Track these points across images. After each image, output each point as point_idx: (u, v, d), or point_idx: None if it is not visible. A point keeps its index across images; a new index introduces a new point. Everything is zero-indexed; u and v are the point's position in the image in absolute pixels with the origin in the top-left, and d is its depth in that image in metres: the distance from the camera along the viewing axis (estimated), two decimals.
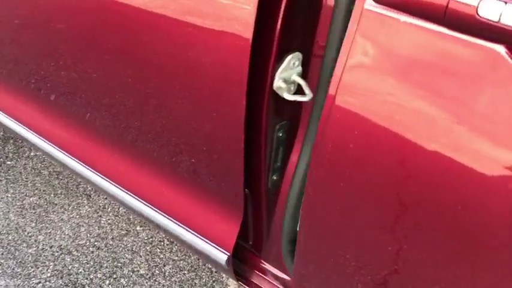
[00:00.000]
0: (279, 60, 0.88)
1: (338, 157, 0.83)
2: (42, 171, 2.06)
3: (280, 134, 0.99)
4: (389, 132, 0.75)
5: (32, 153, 2.14)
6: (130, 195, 1.27)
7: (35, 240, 1.76)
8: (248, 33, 0.82)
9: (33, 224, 1.82)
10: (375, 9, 0.72)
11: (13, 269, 1.66)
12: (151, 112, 1.11)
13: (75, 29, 1.20)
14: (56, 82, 1.36)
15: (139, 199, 1.25)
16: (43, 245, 1.75)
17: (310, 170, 0.90)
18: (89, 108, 1.28)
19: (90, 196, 1.95)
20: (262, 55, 0.87)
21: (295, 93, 0.92)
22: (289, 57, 0.88)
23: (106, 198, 1.94)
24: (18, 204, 1.90)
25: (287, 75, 0.89)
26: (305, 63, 0.92)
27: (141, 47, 1.04)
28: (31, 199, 1.93)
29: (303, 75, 0.92)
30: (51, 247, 1.74)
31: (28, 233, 1.79)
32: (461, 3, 0.64)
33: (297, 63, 0.90)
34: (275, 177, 1.05)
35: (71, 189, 1.98)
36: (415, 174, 0.76)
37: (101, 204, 1.92)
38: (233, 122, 0.94)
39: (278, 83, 0.89)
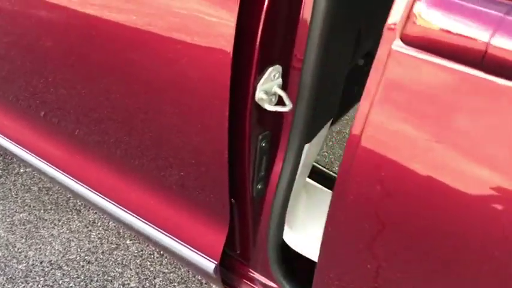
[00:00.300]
0: (260, 72, 0.91)
1: (362, 197, 0.82)
2: (32, 187, 2.07)
3: (264, 144, 1.02)
4: (416, 174, 0.74)
5: (21, 170, 2.15)
6: (119, 208, 1.29)
7: (25, 256, 1.77)
8: (229, 47, 0.85)
9: (23, 240, 1.83)
10: (403, 50, 0.70)
11: (3, 285, 1.66)
12: (138, 126, 1.13)
13: (63, 46, 1.23)
14: (45, 98, 1.38)
15: (128, 211, 1.27)
16: (33, 260, 1.76)
17: (331, 208, 0.89)
18: (78, 124, 1.30)
19: (80, 211, 1.96)
20: (244, 68, 0.90)
21: (276, 104, 0.95)
22: (270, 69, 0.92)
23: (96, 212, 1.95)
24: (8, 220, 1.91)
25: (268, 87, 0.93)
26: (285, 75, 0.95)
27: (127, 63, 1.07)
28: (21, 215, 1.94)
29: (283, 86, 0.96)
30: (41, 262, 1.75)
31: (18, 249, 1.80)
32: (502, 49, 0.63)
33: (277, 75, 0.93)
34: (259, 186, 1.08)
35: (61, 205, 1.99)
36: (447, 216, 0.75)
37: (90, 219, 1.93)
38: (217, 133, 0.97)
39: (260, 95, 0.92)
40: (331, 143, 1.48)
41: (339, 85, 1.13)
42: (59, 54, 1.27)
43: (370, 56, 1.92)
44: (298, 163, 1.06)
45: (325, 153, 1.43)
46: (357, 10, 1.07)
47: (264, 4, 0.85)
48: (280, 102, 0.95)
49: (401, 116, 0.74)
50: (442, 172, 0.72)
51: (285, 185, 1.07)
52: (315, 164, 1.38)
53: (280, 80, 0.95)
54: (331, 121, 1.18)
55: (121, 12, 1.02)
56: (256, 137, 1.00)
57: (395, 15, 0.71)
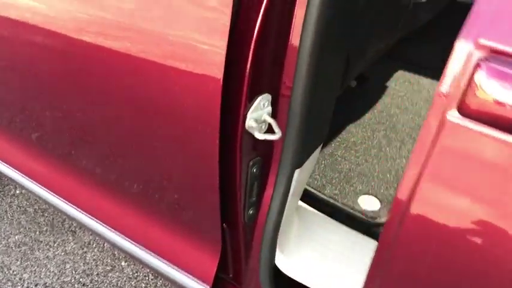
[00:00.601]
0: (250, 101, 0.93)
1: (410, 267, 0.82)
2: (27, 209, 2.08)
3: (254, 170, 1.04)
4: (468, 246, 0.73)
5: (17, 191, 2.16)
6: (112, 231, 1.30)
7: (20, 279, 1.77)
8: (219, 74, 0.86)
9: (18, 263, 1.83)
10: (460, 121, 0.67)
11: None
12: (131, 151, 1.15)
13: (57, 71, 1.25)
14: (38, 122, 1.40)
15: (121, 235, 1.28)
16: (28, 283, 1.76)
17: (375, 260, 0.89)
18: (71, 148, 1.31)
19: (75, 232, 1.97)
20: (234, 97, 0.92)
21: (266, 132, 0.97)
22: (259, 98, 0.94)
23: (91, 234, 1.95)
24: (3, 243, 1.91)
25: (258, 115, 0.95)
26: (274, 103, 0.97)
27: (118, 89, 1.08)
28: (16, 237, 1.94)
29: (273, 113, 0.97)
30: (36, 285, 1.75)
31: (13, 272, 1.80)
32: None
33: (266, 103, 0.95)
34: (251, 211, 1.09)
35: (56, 226, 1.99)
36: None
37: (86, 241, 1.93)
38: (208, 160, 0.98)
39: (249, 123, 0.94)
40: (323, 165, 1.49)
41: (329, 110, 1.15)
42: (53, 79, 1.29)
43: (363, 78, 1.97)
44: (289, 188, 1.08)
45: (317, 176, 1.45)
46: (344, 35, 1.09)
47: (253, 35, 0.87)
48: (270, 129, 0.97)
49: (454, 186, 0.72)
50: (492, 246, 0.70)
51: (276, 210, 1.08)
52: (306, 187, 1.39)
53: (269, 108, 0.96)
54: (321, 145, 1.20)
55: (115, 40, 1.04)
56: (247, 163, 1.02)
57: (448, 83, 0.67)
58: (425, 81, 1.96)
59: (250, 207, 1.08)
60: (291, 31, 0.90)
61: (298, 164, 1.06)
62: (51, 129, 1.38)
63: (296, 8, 0.88)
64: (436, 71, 2.00)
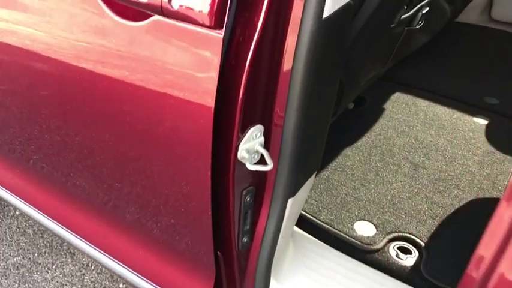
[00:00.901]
0: (242, 132, 0.94)
1: None
2: (27, 230, 2.08)
3: (248, 199, 1.04)
4: None
5: (17, 212, 2.17)
6: (107, 256, 1.31)
7: None
8: (211, 103, 0.86)
9: (16, 285, 1.83)
10: None
11: None
12: (125, 178, 1.15)
13: (53, 98, 1.26)
14: (34, 148, 1.41)
15: (116, 261, 1.29)
16: None
17: None
18: (66, 174, 1.32)
19: (73, 254, 1.97)
20: (227, 128, 0.93)
21: (258, 162, 0.98)
22: (251, 129, 0.94)
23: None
24: (2, 265, 1.92)
25: (250, 146, 0.95)
26: (267, 133, 0.98)
27: (110, 115, 1.08)
28: (15, 259, 1.94)
29: (266, 143, 0.98)
30: None
31: None
32: None
33: (258, 134, 0.96)
34: (245, 240, 1.09)
35: (55, 248, 2.00)
36: None
37: (84, 262, 1.93)
38: (200, 188, 0.99)
39: (242, 154, 0.95)
40: (319, 190, 1.50)
41: (322, 139, 1.16)
42: (51, 105, 1.30)
43: (360, 100, 1.97)
44: (283, 217, 1.08)
45: (313, 201, 1.45)
46: (337, 64, 1.09)
47: (244, 68, 0.87)
48: (262, 159, 0.98)
49: None
50: None
51: (270, 239, 1.09)
52: (302, 212, 1.39)
53: (262, 139, 0.97)
54: (315, 173, 1.21)
55: (113, 68, 1.05)
56: (240, 192, 1.02)
57: None
58: (423, 103, 1.97)
59: (244, 235, 1.09)
60: (283, 60, 0.91)
61: (291, 193, 1.07)
62: (44, 154, 1.39)
63: (287, 36, 0.88)
64: (433, 93, 2.01)
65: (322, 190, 1.48)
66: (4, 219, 2.13)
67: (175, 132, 0.97)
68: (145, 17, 0.86)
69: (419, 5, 1.30)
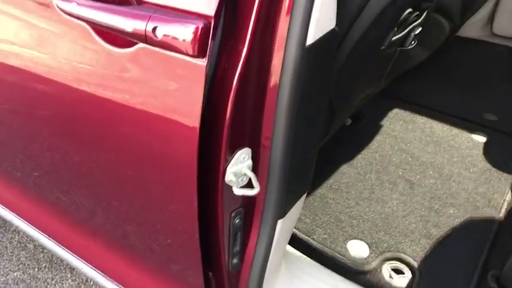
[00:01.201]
0: (230, 155, 0.95)
1: None
2: (27, 244, 2.10)
3: (237, 221, 1.05)
4: None
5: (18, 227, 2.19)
6: (103, 276, 1.32)
7: None
8: (196, 123, 0.87)
9: None
10: None
11: None
12: (115, 199, 1.17)
13: (48, 120, 1.28)
14: (36, 166, 1.43)
15: (111, 280, 1.30)
16: None
17: None
18: (62, 193, 1.34)
19: (73, 269, 1.98)
20: (214, 151, 0.94)
21: (246, 185, 0.99)
22: (239, 153, 0.95)
23: None
24: (2, 280, 1.93)
25: (237, 169, 0.96)
26: (255, 155, 0.99)
27: (105, 139, 1.10)
28: (15, 274, 1.96)
29: (254, 166, 0.99)
30: None
31: None
32: None
33: (246, 157, 0.97)
34: (235, 261, 1.10)
35: (55, 263, 2.01)
36: None
37: (83, 278, 1.95)
38: (188, 212, 1.00)
39: (229, 177, 0.96)
40: (313, 208, 1.50)
41: (312, 160, 1.16)
42: (52, 124, 1.32)
43: (357, 116, 1.97)
44: (273, 238, 1.09)
45: (307, 219, 1.46)
46: (325, 85, 1.09)
47: (231, 91, 0.88)
48: (250, 182, 0.98)
49: None
50: None
51: (260, 260, 1.09)
52: (296, 231, 1.40)
53: (249, 162, 0.98)
54: (306, 194, 1.21)
55: (103, 91, 1.06)
56: (229, 214, 1.03)
57: None
58: (421, 120, 1.97)
59: (234, 256, 1.10)
60: (268, 85, 0.91)
61: (281, 214, 1.07)
62: (37, 173, 1.41)
63: (272, 62, 0.89)
64: (431, 109, 2.01)
65: (317, 208, 1.49)
66: (5, 234, 2.15)
67: (162, 156, 0.98)
68: (132, 44, 0.88)
69: (411, 26, 1.31)
